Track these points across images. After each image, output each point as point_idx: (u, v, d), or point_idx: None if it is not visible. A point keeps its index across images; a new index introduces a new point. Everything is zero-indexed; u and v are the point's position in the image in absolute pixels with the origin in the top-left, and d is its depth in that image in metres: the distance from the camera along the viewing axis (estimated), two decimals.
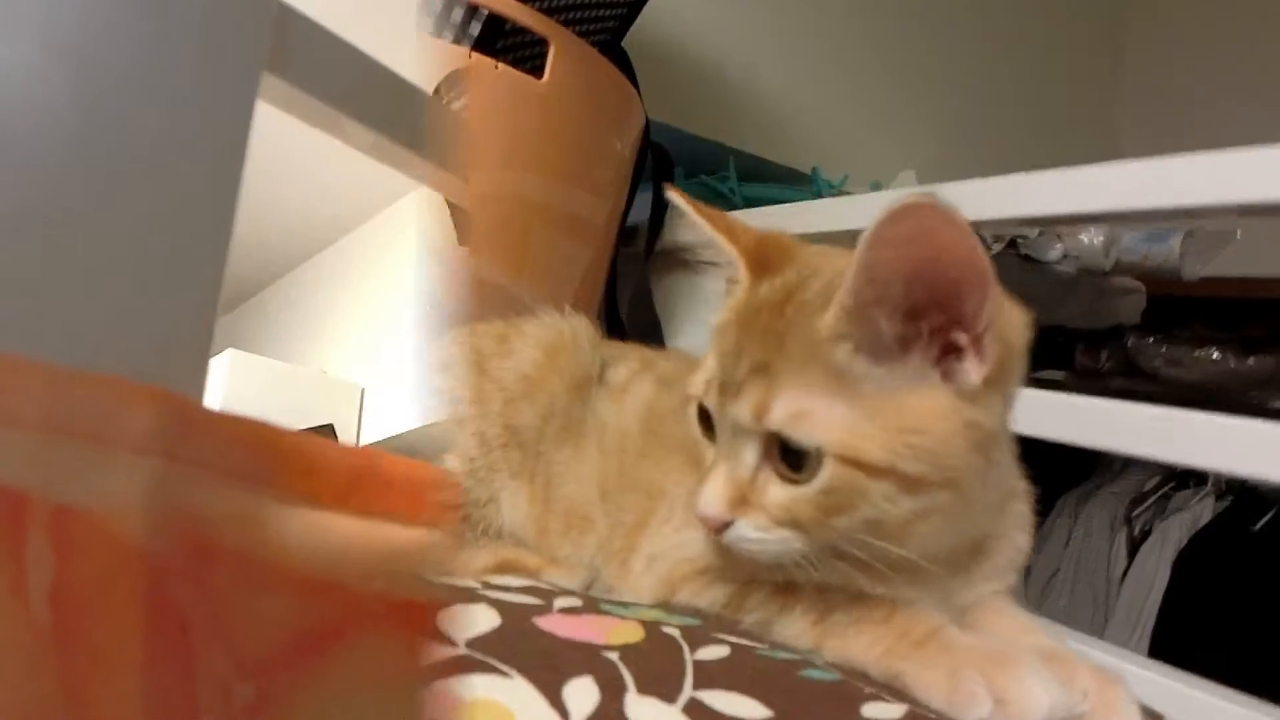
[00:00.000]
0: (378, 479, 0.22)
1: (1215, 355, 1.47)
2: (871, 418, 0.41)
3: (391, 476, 0.22)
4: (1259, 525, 1.41)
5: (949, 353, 0.42)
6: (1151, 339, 1.55)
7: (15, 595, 0.17)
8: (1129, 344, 1.58)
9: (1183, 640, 1.37)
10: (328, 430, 2.18)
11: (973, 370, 0.42)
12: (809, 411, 0.41)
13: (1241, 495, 1.47)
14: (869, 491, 0.41)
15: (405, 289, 2.34)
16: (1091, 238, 1.36)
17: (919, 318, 0.41)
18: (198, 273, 0.22)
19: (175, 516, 0.18)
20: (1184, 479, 1.57)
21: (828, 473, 0.41)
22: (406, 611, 0.22)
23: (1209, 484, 1.52)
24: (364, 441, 2.31)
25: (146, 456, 0.18)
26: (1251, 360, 1.44)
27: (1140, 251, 1.39)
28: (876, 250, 0.39)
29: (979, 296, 0.40)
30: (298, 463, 0.21)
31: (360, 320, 2.49)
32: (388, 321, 2.40)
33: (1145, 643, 1.42)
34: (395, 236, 2.46)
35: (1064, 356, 1.67)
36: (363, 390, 2.41)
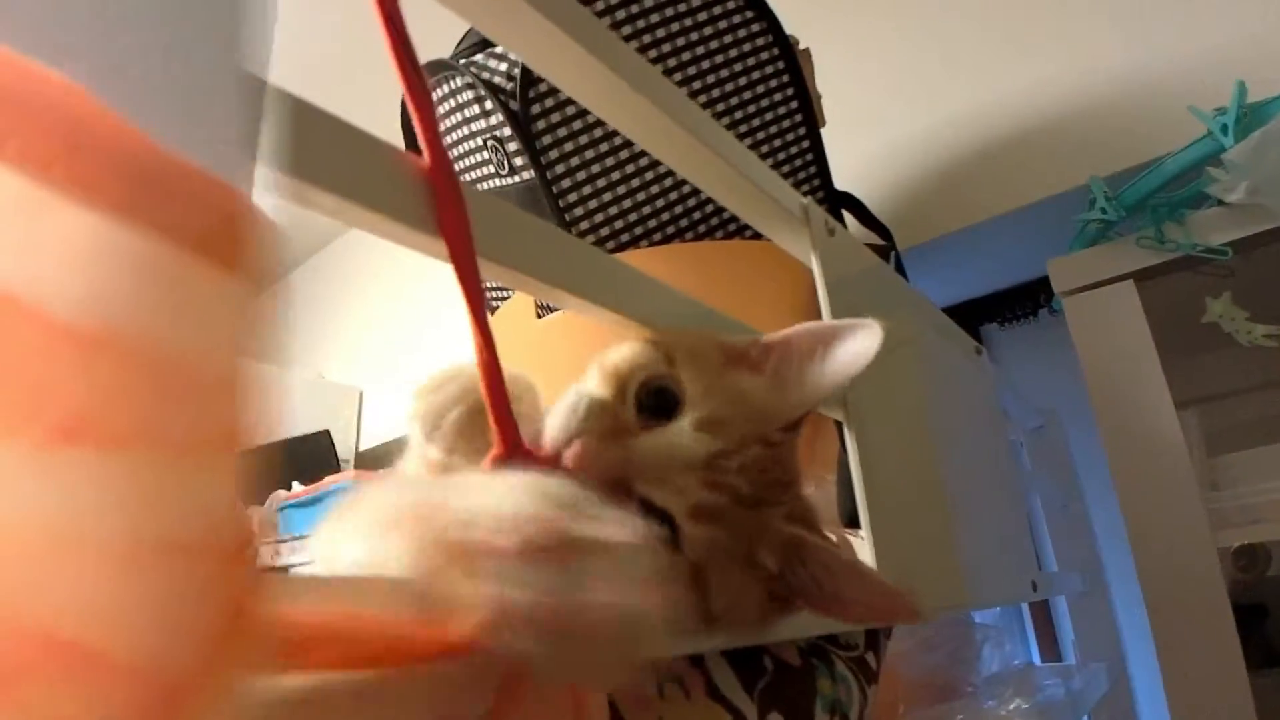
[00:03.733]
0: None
1: None
2: None
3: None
4: None
5: None
6: None
7: None
8: None
9: None
10: (324, 438, 2.17)
11: None
12: None
13: None
14: None
15: (403, 290, 2.33)
16: None
17: None
18: None
19: None
20: None
21: None
22: None
23: None
24: (364, 445, 2.30)
25: None
26: None
27: None
28: None
29: None
30: None
31: (359, 322, 2.49)
32: (386, 323, 2.39)
33: None
34: None
35: None
36: (361, 393, 2.40)
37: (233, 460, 0.17)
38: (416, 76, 0.32)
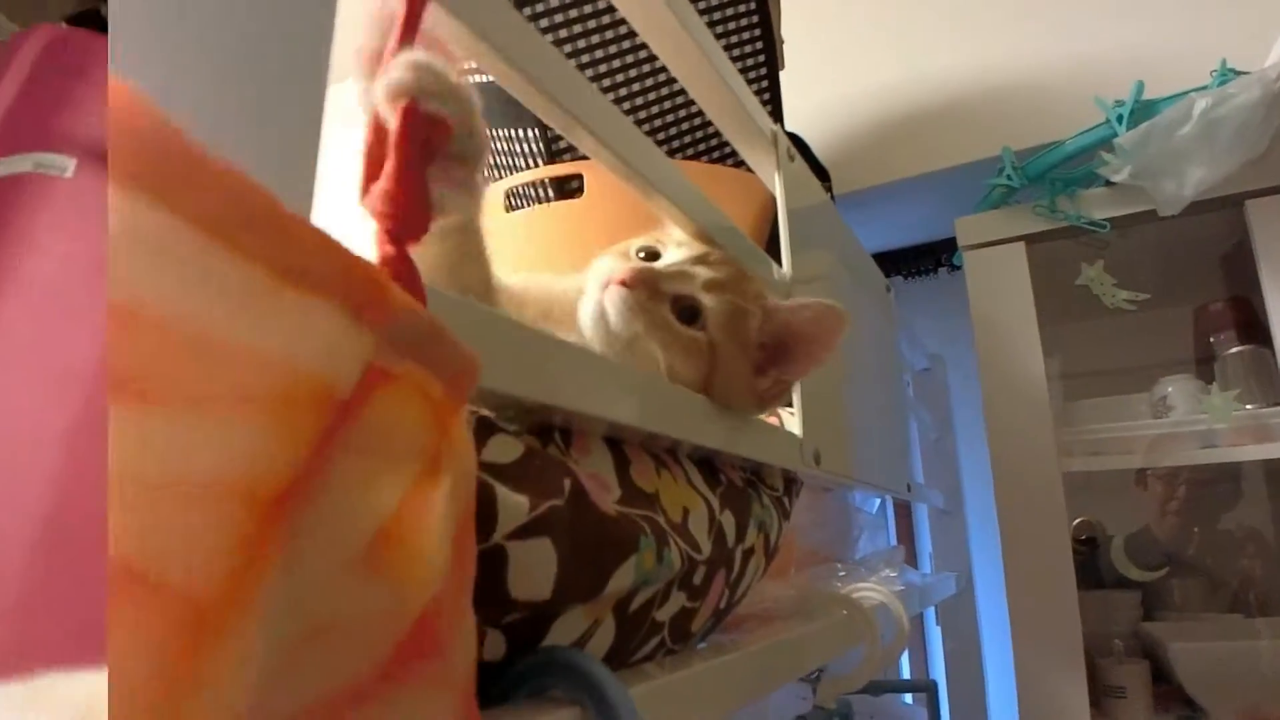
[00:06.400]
0: None
1: None
2: None
3: None
4: None
5: None
6: None
7: None
8: None
9: None
10: None
11: None
12: None
13: None
14: None
15: None
16: None
17: None
18: None
19: None
20: None
21: None
22: None
23: None
24: None
25: None
26: None
27: None
28: None
29: None
30: None
31: None
32: None
33: None
34: None
35: None
36: None
37: (249, 415, 0.18)
38: None
